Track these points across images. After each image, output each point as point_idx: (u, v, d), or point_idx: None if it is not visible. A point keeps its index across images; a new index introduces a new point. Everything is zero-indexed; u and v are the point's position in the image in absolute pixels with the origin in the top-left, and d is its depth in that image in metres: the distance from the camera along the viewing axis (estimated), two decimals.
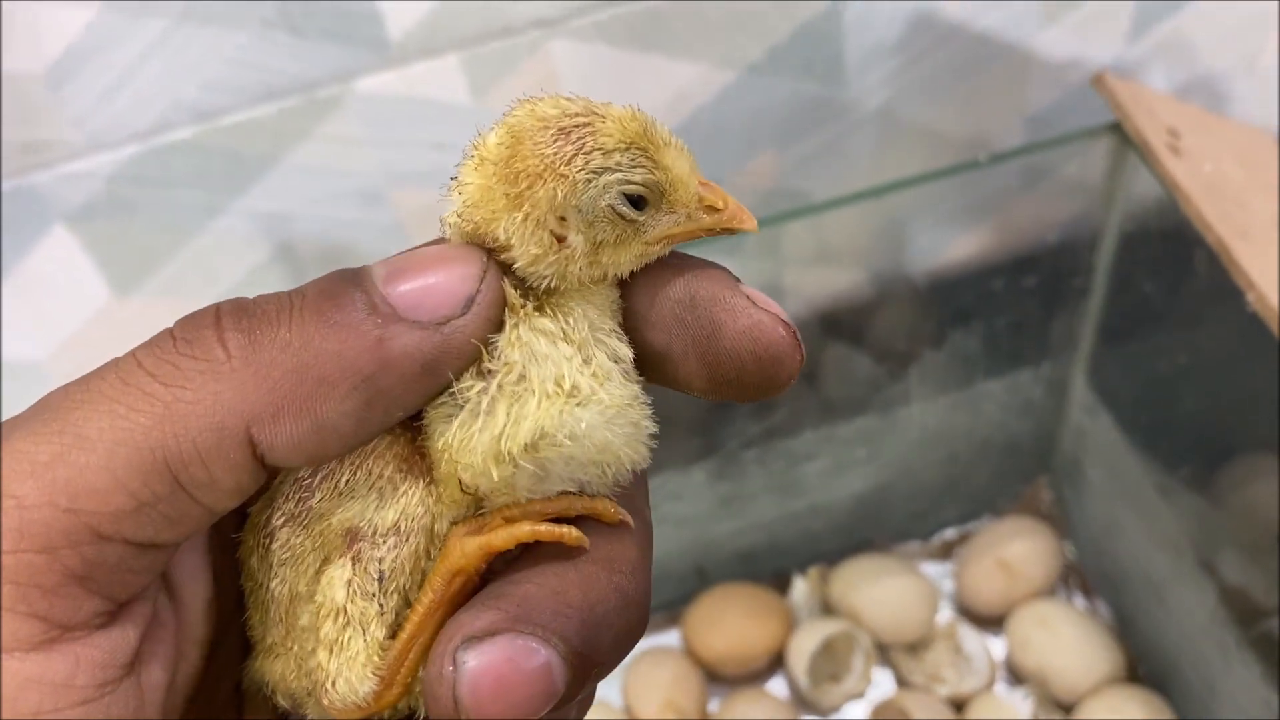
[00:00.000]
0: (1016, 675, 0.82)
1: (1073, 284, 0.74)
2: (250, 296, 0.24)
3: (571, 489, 0.26)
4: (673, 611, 0.87)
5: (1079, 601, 0.86)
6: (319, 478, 0.26)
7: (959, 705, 0.80)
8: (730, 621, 0.83)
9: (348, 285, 0.23)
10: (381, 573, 0.26)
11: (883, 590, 0.84)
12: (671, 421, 0.79)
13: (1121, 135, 0.65)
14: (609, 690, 0.82)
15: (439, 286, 0.24)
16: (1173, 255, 0.65)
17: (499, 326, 0.25)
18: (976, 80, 0.73)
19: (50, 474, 0.22)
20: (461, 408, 0.25)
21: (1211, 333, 0.69)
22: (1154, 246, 0.68)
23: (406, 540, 0.26)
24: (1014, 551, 0.84)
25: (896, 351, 0.74)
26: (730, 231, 0.26)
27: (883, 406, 0.77)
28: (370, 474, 0.26)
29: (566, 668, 0.23)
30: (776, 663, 0.85)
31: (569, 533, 0.25)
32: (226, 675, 0.28)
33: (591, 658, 0.24)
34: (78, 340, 0.69)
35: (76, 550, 0.22)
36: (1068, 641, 0.79)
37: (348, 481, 0.26)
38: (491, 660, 0.23)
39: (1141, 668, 0.80)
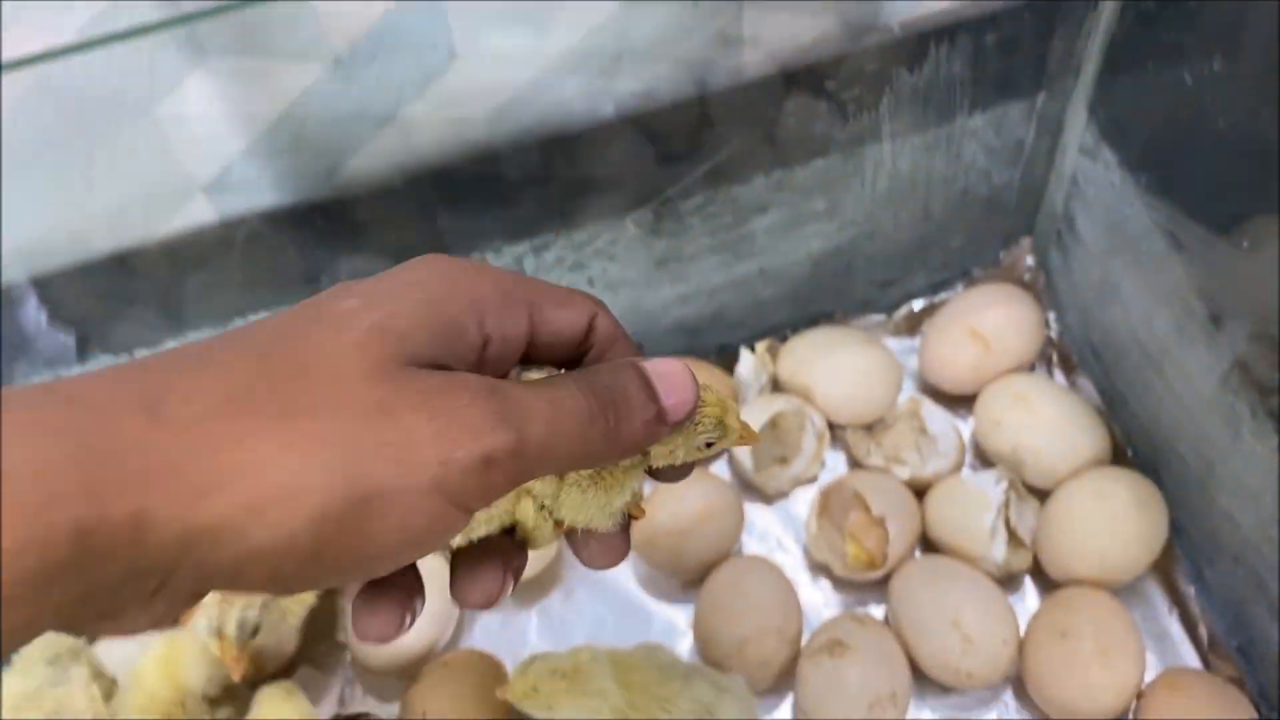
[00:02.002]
0: (986, 458, 0.74)
1: None
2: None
3: None
4: None
5: (1059, 379, 0.77)
6: None
7: (920, 490, 0.71)
8: None
9: (644, 395, 0.32)
10: None
11: (839, 365, 0.74)
12: (598, 162, 0.62)
13: None
14: None
15: (687, 406, 0.33)
16: None
17: None
18: None
19: None
20: None
21: (1243, 60, 0.57)
22: None
23: None
24: (990, 320, 0.74)
25: (866, 76, 0.62)
26: (744, 443, 0.36)
27: (847, 145, 0.65)
28: None
29: None
30: None
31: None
32: None
33: None
34: None
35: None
36: (1047, 420, 0.70)
37: None
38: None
39: (1129, 450, 0.71)
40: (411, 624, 0.33)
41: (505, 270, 0.33)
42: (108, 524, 0.24)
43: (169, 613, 0.28)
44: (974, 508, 0.68)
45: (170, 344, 0.66)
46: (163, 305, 0.65)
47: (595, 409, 0.31)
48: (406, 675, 0.68)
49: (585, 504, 0.34)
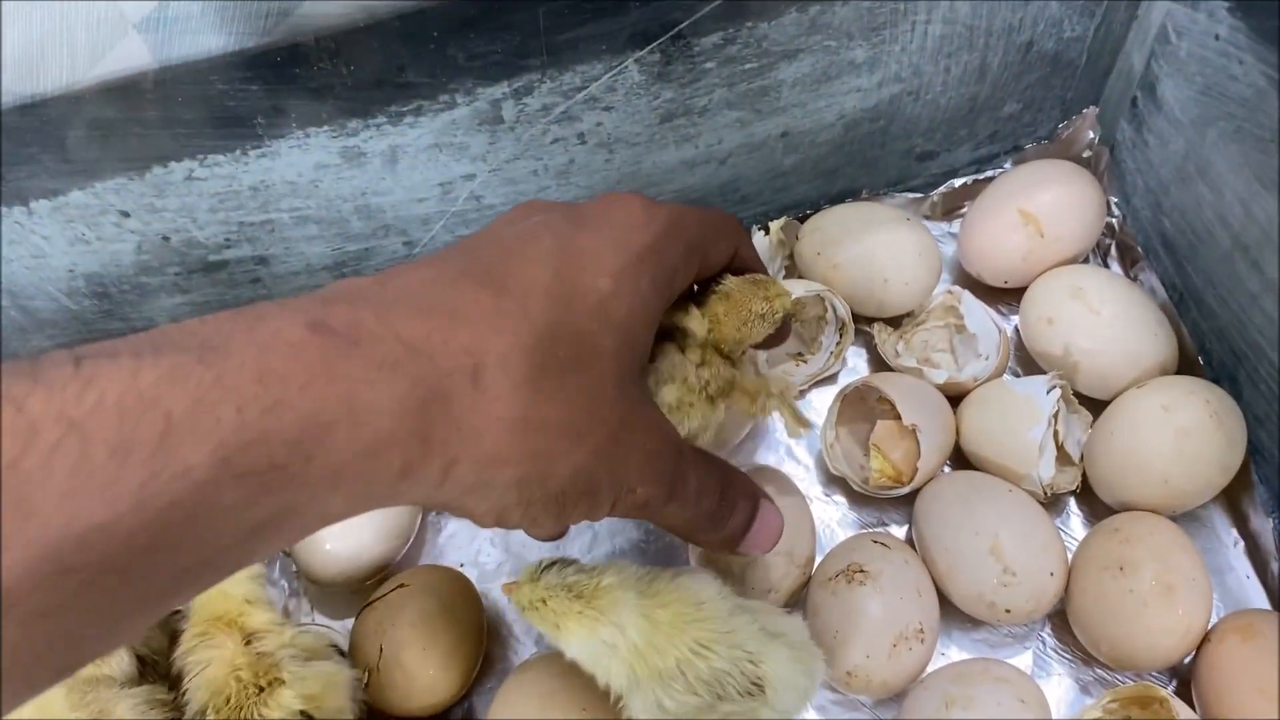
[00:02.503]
0: (1032, 363, 0.64)
1: None
2: None
3: None
4: None
5: (1116, 273, 0.67)
6: None
7: (955, 397, 0.61)
8: None
9: (741, 527, 0.41)
10: None
11: (868, 248, 0.63)
12: None
13: None
14: None
15: (751, 554, 0.44)
16: None
17: None
18: None
19: None
20: None
21: None
22: None
23: None
24: (1044, 202, 0.63)
25: None
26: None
27: None
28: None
29: None
30: None
31: None
32: None
33: None
34: None
35: None
36: (1109, 319, 0.60)
37: None
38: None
39: (1201, 357, 0.61)
40: None
41: (685, 218, 0.37)
42: (428, 467, 0.29)
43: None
44: (1020, 418, 0.58)
45: (84, 195, 0.55)
46: (85, 155, 0.54)
47: (716, 507, 0.39)
48: (359, 592, 0.59)
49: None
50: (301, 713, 0.48)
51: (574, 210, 0.36)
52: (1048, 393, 0.58)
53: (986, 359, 0.62)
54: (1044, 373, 0.61)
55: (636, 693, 0.43)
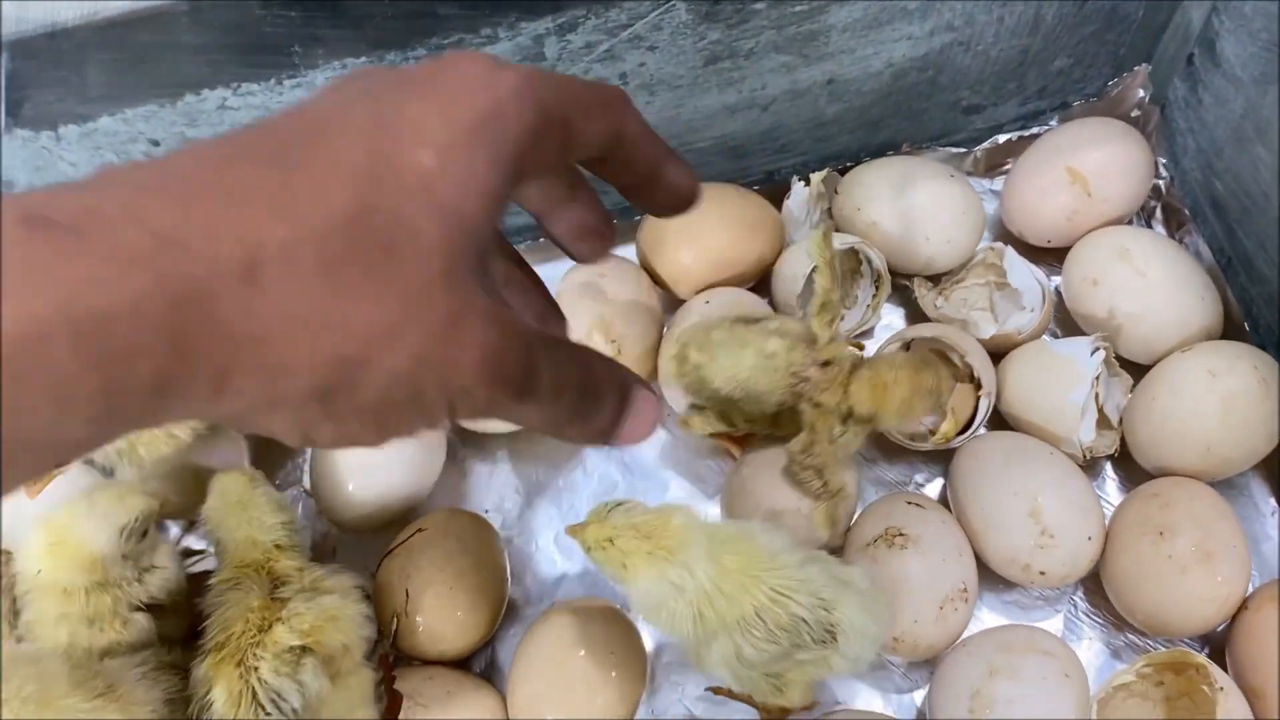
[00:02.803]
0: (1072, 325, 0.63)
1: None
2: None
3: None
4: (630, 221, 0.65)
5: (1161, 234, 0.66)
6: None
7: (998, 356, 0.60)
8: (703, 230, 0.61)
9: (613, 413, 0.35)
10: None
11: (911, 202, 0.62)
12: None
13: None
14: None
15: (632, 444, 0.36)
16: None
17: None
18: None
19: None
20: None
21: None
22: None
23: None
24: (1093, 160, 0.62)
25: None
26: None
27: None
28: None
29: None
30: (761, 289, 0.64)
31: None
32: None
33: None
34: None
35: None
36: (1156, 281, 0.59)
37: None
38: None
39: (1247, 322, 0.60)
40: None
41: (543, 79, 0.30)
42: (191, 380, 0.25)
43: None
44: (1061, 379, 0.57)
45: (114, 122, 0.53)
46: (116, 80, 0.52)
47: (578, 397, 0.33)
48: (379, 533, 0.58)
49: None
50: (302, 648, 0.47)
51: (403, 75, 0.30)
52: (1091, 354, 0.57)
53: (1031, 311, 0.61)
54: (1085, 335, 0.60)
55: (714, 642, 0.42)
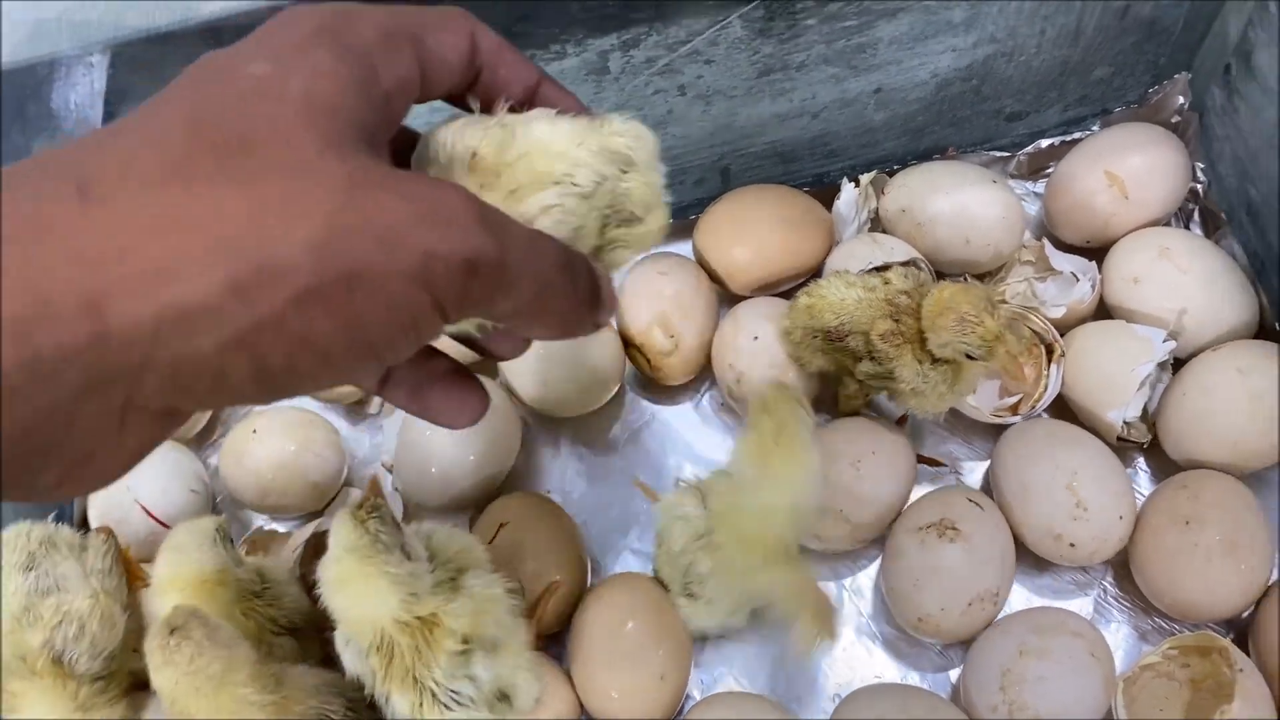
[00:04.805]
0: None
1: None
2: None
3: None
4: (687, 220, 0.69)
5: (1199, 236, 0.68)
6: None
7: (1049, 349, 0.63)
8: (757, 228, 0.65)
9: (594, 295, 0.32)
10: None
11: (955, 204, 0.65)
12: None
13: None
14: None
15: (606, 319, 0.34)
16: None
17: None
18: None
19: None
20: None
21: None
22: None
23: None
24: (1132, 165, 0.65)
25: None
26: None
27: None
28: None
29: None
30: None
31: None
32: None
33: None
34: None
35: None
36: (1195, 280, 0.61)
37: None
38: None
39: (1278, 323, 0.62)
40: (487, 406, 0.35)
41: (367, 6, 0.30)
42: (60, 320, 0.21)
43: (141, 443, 0.25)
44: (1129, 356, 0.60)
45: None
46: None
47: (560, 254, 0.30)
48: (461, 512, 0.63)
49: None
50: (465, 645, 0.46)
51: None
52: (1164, 341, 0.60)
53: (1090, 280, 0.64)
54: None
55: None
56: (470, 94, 0.34)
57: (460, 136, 0.34)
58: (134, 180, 0.23)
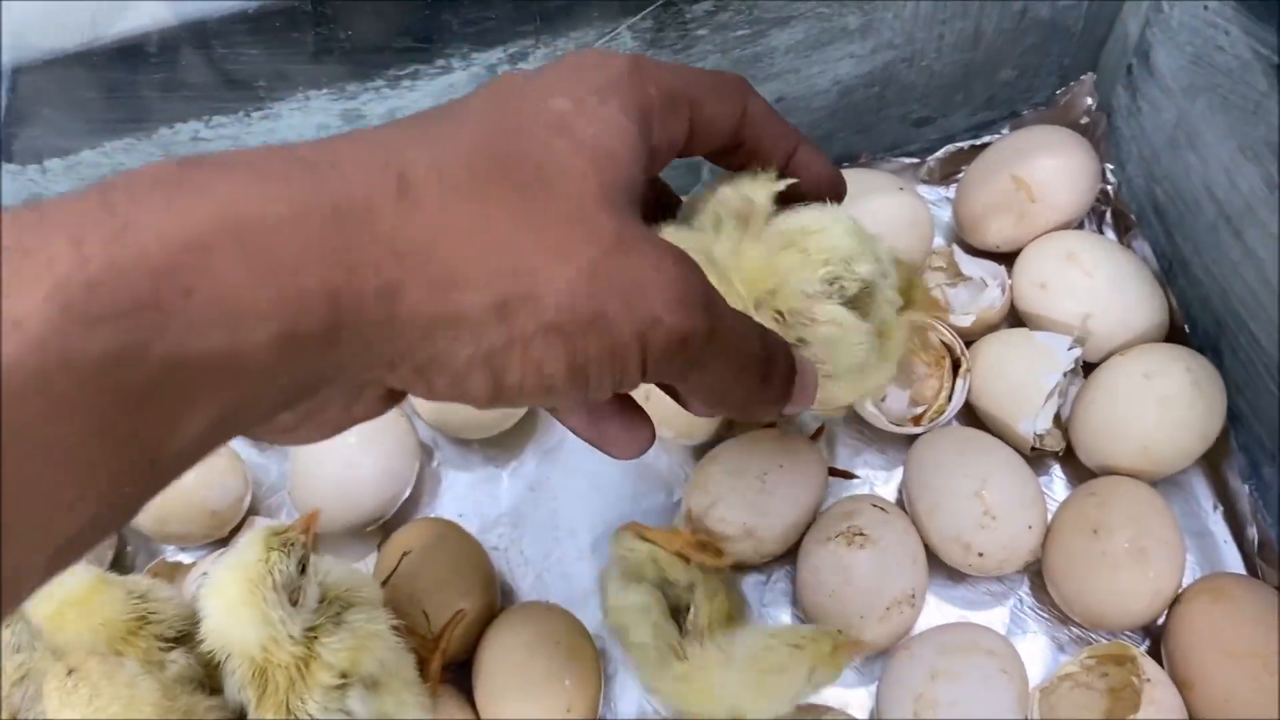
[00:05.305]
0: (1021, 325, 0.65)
1: None
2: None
3: None
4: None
5: (1111, 239, 0.67)
6: None
7: (956, 362, 0.62)
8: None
9: (784, 382, 0.34)
10: None
11: (859, 213, 0.63)
12: None
13: None
14: None
15: (795, 411, 0.36)
16: None
17: None
18: None
19: None
20: None
21: None
22: None
23: None
24: (1040, 168, 0.64)
25: None
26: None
27: None
28: None
29: None
30: None
31: None
32: None
33: None
34: None
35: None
36: (1102, 284, 0.61)
37: None
38: None
39: (1186, 324, 0.62)
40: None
41: (658, 63, 0.32)
42: (361, 295, 0.24)
43: (365, 413, 0.29)
44: (1036, 366, 0.59)
45: (94, 154, 0.57)
46: (95, 114, 0.55)
47: (761, 349, 0.32)
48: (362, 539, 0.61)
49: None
50: (343, 679, 0.46)
51: (528, 71, 0.32)
52: (1070, 349, 0.59)
53: (1000, 285, 0.63)
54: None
55: None
56: (730, 157, 0.36)
57: (737, 191, 0.37)
58: (444, 188, 0.26)
